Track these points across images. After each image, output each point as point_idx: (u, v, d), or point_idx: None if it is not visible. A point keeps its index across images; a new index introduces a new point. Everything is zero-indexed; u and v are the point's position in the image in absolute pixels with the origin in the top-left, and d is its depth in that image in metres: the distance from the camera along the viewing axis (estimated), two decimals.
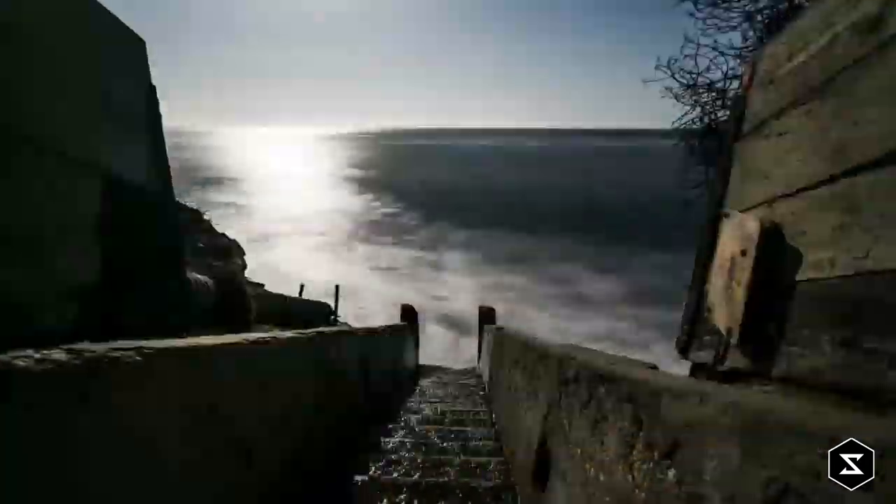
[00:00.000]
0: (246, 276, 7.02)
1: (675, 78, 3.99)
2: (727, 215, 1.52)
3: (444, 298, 16.69)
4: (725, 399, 0.69)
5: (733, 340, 1.36)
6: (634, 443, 1.02)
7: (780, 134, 1.28)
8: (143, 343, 1.17)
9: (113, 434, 0.98)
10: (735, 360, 1.42)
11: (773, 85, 1.36)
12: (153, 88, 2.04)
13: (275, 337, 2.00)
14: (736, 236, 1.42)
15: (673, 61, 3.97)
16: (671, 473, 0.83)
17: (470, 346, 9.93)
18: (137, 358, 1.14)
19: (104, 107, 1.72)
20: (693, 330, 1.73)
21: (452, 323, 14.01)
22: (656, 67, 4.05)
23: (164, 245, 2.05)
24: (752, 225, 1.32)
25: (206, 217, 7.55)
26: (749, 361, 1.34)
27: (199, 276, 3.22)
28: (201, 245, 4.78)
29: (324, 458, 2.23)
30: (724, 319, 1.45)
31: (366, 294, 16.07)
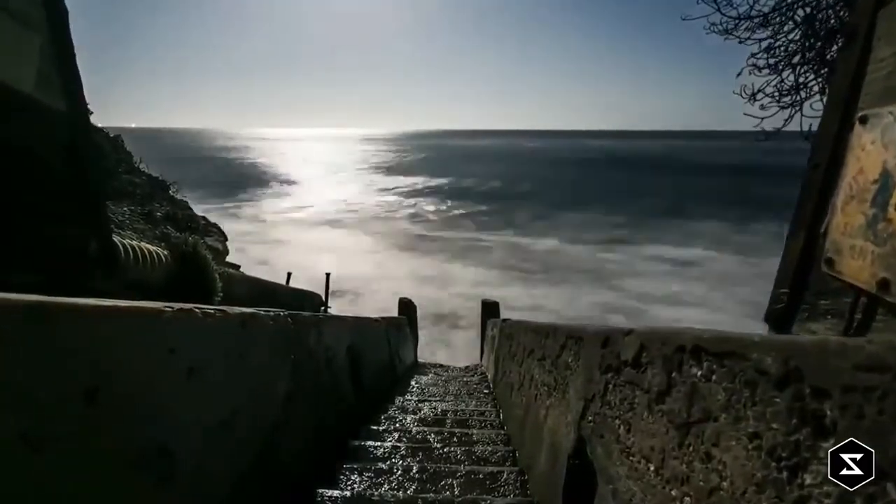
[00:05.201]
0: (227, 261, 6.55)
1: (720, 11, 3.52)
2: (865, 119, 1.07)
3: None
4: None
5: (893, 298, 0.90)
6: (806, 463, 0.57)
7: None
8: None
9: None
10: (893, 328, 0.96)
11: None
12: None
13: (220, 310, 1.56)
14: (891, 142, 0.96)
15: None
16: None
17: None
18: None
19: None
20: (798, 292, 1.27)
21: None
22: (698, 2, 3.59)
23: (72, 186, 1.59)
24: None
25: (172, 190, 7.08)
26: None
27: (148, 245, 2.77)
28: (159, 214, 4.33)
29: (299, 467, 1.80)
30: (864, 271, 1.00)
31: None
